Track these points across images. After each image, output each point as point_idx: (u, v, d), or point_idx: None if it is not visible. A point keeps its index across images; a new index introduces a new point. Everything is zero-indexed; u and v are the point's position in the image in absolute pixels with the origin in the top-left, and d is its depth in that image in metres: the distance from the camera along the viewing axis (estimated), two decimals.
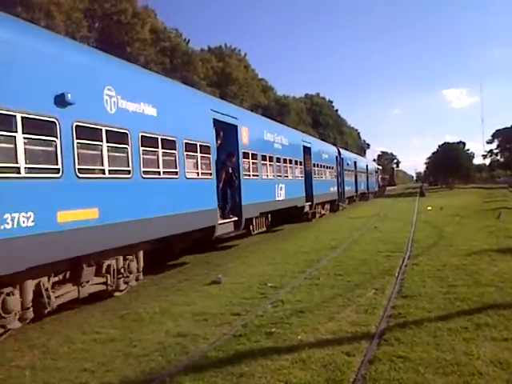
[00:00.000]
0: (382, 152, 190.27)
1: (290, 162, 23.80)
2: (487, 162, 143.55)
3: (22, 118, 7.48)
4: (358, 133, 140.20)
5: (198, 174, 13.58)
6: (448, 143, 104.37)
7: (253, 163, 18.28)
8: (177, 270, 13.63)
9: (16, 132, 7.38)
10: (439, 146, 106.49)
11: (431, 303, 8.33)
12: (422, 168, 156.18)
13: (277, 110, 69.97)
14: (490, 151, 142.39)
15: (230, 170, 15.82)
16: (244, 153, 17.27)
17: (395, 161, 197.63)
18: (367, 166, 56.90)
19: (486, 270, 10.89)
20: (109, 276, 10.08)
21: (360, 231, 20.70)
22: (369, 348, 6.37)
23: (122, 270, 10.55)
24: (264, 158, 19.72)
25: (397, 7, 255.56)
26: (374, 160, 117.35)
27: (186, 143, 12.76)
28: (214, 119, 14.84)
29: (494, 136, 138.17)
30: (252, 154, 18.20)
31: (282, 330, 7.25)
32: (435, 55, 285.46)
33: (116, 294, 10.51)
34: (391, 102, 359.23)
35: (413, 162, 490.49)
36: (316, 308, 8.42)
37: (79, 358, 6.72)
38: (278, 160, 21.69)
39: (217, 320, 8.09)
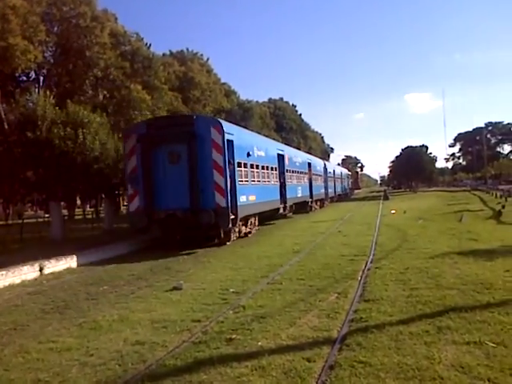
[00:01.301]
0: (346, 156, 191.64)
1: (303, 173, 38.26)
2: (450, 165, 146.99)
3: (244, 163, 21.52)
4: (322, 137, 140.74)
5: (274, 181, 27.81)
6: (411, 147, 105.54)
7: (289, 175, 32.22)
8: (137, 276, 13.36)
9: (241, 168, 20.93)
10: (402, 150, 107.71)
11: (393, 307, 8.30)
12: (386, 172, 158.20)
13: (240, 114, 69.51)
14: (453, 154, 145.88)
15: (282, 180, 29.84)
16: (286, 169, 31.38)
17: (359, 165, 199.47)
18: (341, 172, 72.35)
19: (448, 272, 10.96)
20: (251, 226, 22.75)
21: (324, 235, 20.77)
22: (330, 353, 6.30)
23: (253, 223, 23.34)
24: (292, 171, 33.97)
25: (359, 10, 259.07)
26: (339, 164, 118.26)
27: (270, 167, 27.02)
28: (277, 153, 29.79)
29: (456, 140, 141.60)
30: (288, 170, 32.25)
31: (243, 337, 7.13)
32: (398, 59, 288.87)
33: (249, 235, 22.15)
34: (355, 106, 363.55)
35: (377, 166, 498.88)
36: (277, 313, 8.32)
37: (34, 368, 6.50)
38: (297, 172, 36.18)
39: (176, 327, 7.92)
